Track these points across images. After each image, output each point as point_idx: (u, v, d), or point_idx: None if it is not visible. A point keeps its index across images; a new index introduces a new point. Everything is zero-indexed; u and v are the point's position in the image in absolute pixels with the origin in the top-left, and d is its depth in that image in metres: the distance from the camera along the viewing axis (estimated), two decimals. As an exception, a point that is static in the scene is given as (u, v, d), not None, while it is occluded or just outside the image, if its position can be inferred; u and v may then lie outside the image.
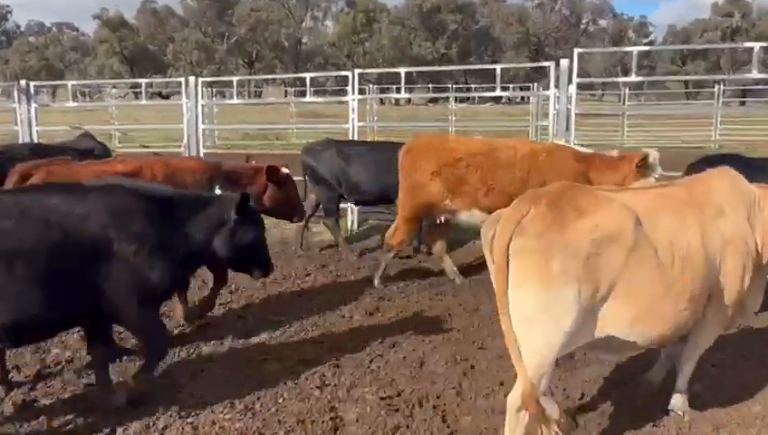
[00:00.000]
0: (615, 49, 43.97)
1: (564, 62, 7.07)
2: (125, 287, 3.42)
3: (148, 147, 16.09)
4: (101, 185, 3.67)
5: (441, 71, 59.67)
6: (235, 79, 8.94)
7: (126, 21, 66.41)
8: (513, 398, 2.96)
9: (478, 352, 4.59)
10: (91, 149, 6.79)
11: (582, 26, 74.03)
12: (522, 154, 5.61)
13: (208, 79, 8.51)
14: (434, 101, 48.49)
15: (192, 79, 8.54)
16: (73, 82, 9.72)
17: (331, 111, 29.44)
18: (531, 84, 36.35)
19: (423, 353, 4.53)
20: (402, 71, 7.92)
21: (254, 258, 4.08)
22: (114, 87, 30.18)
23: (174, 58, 60.04)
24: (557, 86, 7.24)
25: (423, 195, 5.79)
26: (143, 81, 9.14)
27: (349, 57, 64.59)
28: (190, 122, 8.62)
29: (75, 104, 9.70)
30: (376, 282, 5.99)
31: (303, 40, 68.99)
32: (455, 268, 6.27)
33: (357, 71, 7.87)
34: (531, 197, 3.00)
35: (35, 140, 9.01)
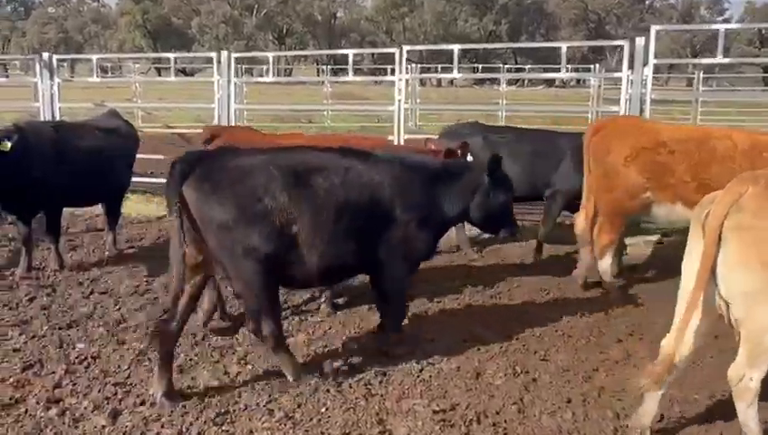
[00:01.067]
0: (699, 27, 42.37)
1: (640, 41, 6.82)
2: (396, 250, 4.17)
3: (172, 127, 16.28)
4: (388, 156, 4.32)
5: (489, 50, 59.10)
6: (270, 55, 8.80)
7: (150, -8, 67.50)
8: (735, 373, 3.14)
9: (540, 364, 4.46)
10: (117, 128, 6.84)
11: (648, 1, 72.15)
12: (742, 148, 5.14)
13: (241, 54, 8.47)
14: (479, 82, 48.01)
15: (224, 54, 8.55)
16: (98, 56, 9.85)
17: (368, 93, 29.46)
18: (590, 66, 35.61)
19: (478, 363, 4.42)
20: (455, 48, 7.77)
21: (504, 219, 4.64)
22: (136, 62, 30.63)
23: (199, 32, 60.75)
24: (631, 67, 6.99)
25: (621, 184, 5.42)
26: (171, 55, 9.18)
27: (387, 34, 64.41)
28: (222, 101, 8.63)
29: (99, 79, 9.80)
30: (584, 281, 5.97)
31: (338, 14, 68.99)
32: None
33: (405, 47, 7.74)
34: (749, 177, 3.17)
35: (57, 117, 9.18)
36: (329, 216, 3.81)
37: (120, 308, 5.24)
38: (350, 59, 8.35)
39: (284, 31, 66.90)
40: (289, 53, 36.59)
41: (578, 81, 54.63)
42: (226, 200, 3.57)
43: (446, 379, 4.19)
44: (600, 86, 18.30)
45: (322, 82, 23.62)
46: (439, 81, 51.77)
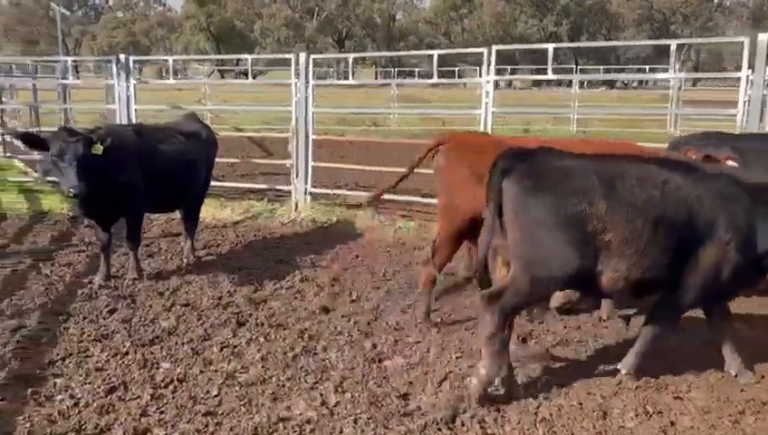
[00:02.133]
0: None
1: (763, 37, 6.10)
2: (708, 272, 3.76)
3: (241, 129, 16.15)
4: (709, 169, 3.99)
5: (545, 51, 57.49)
6: (350, 56, 8.43)
7: (214, -4, 68.70)
8: None
9: (675, 402, 3.87)
10: (197, 132, 6.56)
11: (716, 0, 69.09)
12: None
13: (321, 56, 8.07)
14: (537, 84, 46.73)
15: (302, 56, 8.20)
16: (173, 57, 9.68)
17: (428, 96, 28.95)
18: (655, 66, 34.04)
19: (602, 399, 3.87)
20: (550, 47, 7.20)
21: None
22: (201, 64, 30.96)
23: (261, 35, 61.50)
24: (751, 67, 6.27)
25: None
26: (248, 57, 8.90)
27: (446, 36, 63.75)
28: (300, 104, 8.29)
29: (174, 81, 9.63)
30: None
31: (397, 17, 68.70)
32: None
33: (495, 47, 7.22)
34: None
35: (133, 120, 9.03)
36: (644, 227, 3.64)
37: (203, 323, 4.90)
38: (435, 60, 7.85)
39: (344, 34, 67.07)
40: (386, 54, 35.64)
41: (639, 82, 52.81)
42: (546, 198, 3.61)
43: (569, 418, 3.67)
44: (680, 87, 17.27)
45: (391, 84, 23.03)
46: (496, 82, 50.73)
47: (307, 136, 8.41)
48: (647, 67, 40.83)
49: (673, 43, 7.06)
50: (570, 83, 37.50)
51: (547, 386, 3.98)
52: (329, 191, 9.05)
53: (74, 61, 22.28)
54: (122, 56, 8.90)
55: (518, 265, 3.71)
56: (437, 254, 4.89)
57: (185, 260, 6.52)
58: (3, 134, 11.08)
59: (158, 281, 5.89)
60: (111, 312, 5.08)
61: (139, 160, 5.58)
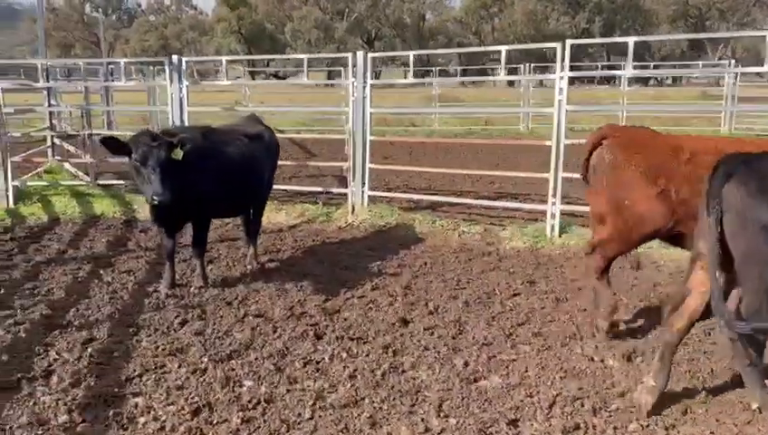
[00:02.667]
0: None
1: None
2: None
3: (281, 131, 15.94)
4: None
5: (580, 48, 56.34)
6: (412, 54, 8.08)
7: (245, -1, 69.03)
8: None
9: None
10: (261, 134, 6.30)
11: (755, -6, 67.25)
12: None
13: (380, 54, 7.72)
14: (571, 81, 45.84)
15: (360, 55, 7.89)
16: (228, 58, 9.48)
17: (462, 95, 28.55)
18: (689, 63, 33.08)
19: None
20: (631, 40, 6.81)
21: None
22: (234, 66, 30.89)
23: (292, 37, 61.54)
24: None
25: None
26: (304, 56, 8.61)
27: (476, 35, 63.11)
28: (357, 105, 7.99)
29: (229, 82, 9.41)
30: None
31: (427, 16, 68.24)
32: None
33: (569, 41, 6.83)
34: None
35: (186, 122, 8.83)
36: None
37: (280, 336, 4.62)
38: (503, 56, 7.48)
39: (373, 35, 66.83)
40: (433, 52, 35.08)
41: (673, 79, 51.55)
42: None
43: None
44: (735, 84, 16.61)
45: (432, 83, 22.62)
46: (540, 81, 49.97)
47: (364, 137, 8.11)
48: (699, 63, 39.58)
49: (716, 36, 6.54)
50: (603, 81, 36.76)
51: (669, 411, 3.61)
52: (386, 195, 8.75)
53: (130, 62, 22.31)
54: (175, 57, 8.70)
55: (745, 278, 3.35)
56: (606, 246, 4.54)
57: (248, 266, 6.27)
58: (53, 137, 10.99)
59: (224, 289, 5.63)
60: (183, 323, 4.83)
61: (208, 163, 5.33)
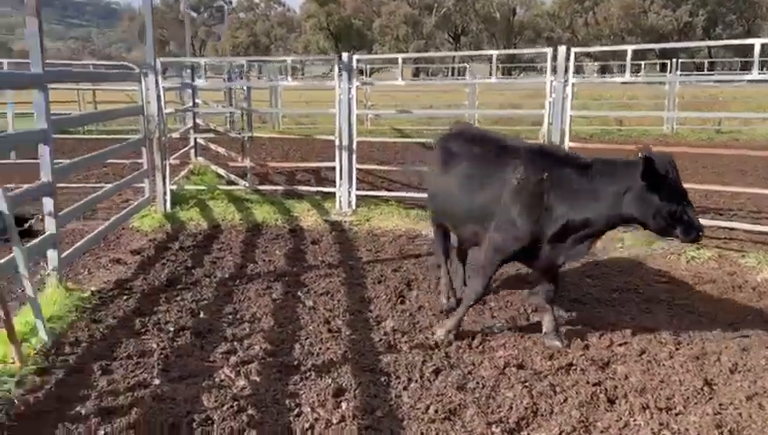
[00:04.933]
0: None
1: None
2: None
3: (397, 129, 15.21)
4: None
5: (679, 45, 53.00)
6: (631, 48, 7.04)
7: (334, -6, 69.08)
8: None
9: None
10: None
11: None
12: None
13: (582, 49, 6.91)
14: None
15: (562, 51, 6.94)
16: (404, 56, 8.75)
17: (584, 94, 26.94)
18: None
19: None
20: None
21: None
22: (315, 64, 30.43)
23: (380, 33, 61.03)
24: None
25: None
26: (494, 52, 7.72)
27: (568, 29, 60.68)
28: (555, 105, 7.05)
29: (403, 83, 8.67)
30: None
31: (517, 10, 66.23)
32: None
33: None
34: None
35: (353, 125, 8.14)
36: None
37: (566, 399, 3.73)
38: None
39: (460, 30, 65.46)
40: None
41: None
42: None
43: None
44: None
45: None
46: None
47: (563, 139, 7.13)
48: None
49: None
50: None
51: None
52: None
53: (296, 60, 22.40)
54: (345, 55, 8.00)
55: None
56: None
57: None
58: (195, 138, 10.59)
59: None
60: (436, 372, 4.03)
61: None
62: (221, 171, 9.81)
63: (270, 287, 5.73)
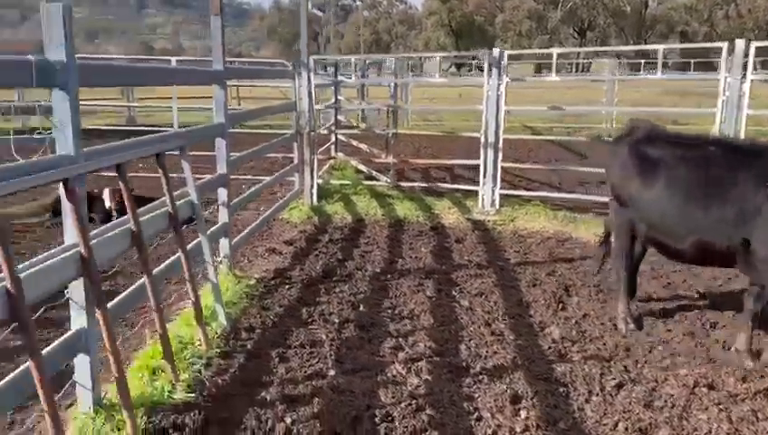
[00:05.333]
0: None
1: None
2: None
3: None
4: None
5: None
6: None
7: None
8: None
9: None
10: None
11: None
12: None
13: (762, 43, 6.29)
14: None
15: (740, 44, 6.37)
16: (559, 51, 8.49)
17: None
18: None
19: None
20: None
21: None
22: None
23: (503, 29, 59.93)
24: None
25: None
26: (660, 47, 7.27)
27: (706, 23, 56.59)
28: (730, 104, 6.50)
29: (559, 78, 8.39)
30: None
31: (650, 4, 62.63)
32: None
33: None
34: None
35: (501, 123, 7.95)
36: None
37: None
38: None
39: (586, 24, 62.89)
40: None
41: None
42: None
43: None
44: None
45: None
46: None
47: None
48: None
49: None
50: None
51: None
52: None
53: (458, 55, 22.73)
54: (496, 51, 7.82)
55: None
56: None
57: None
58: (336, 134, 10.82)
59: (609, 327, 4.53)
60: (618, 387, 3.78)
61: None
62: (362, 167, 9.96)
63: (422, 284, 5.70)
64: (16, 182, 2.53)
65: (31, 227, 7.69)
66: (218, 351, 4.13)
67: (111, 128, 13.05)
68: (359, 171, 10.61)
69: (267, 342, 4.37)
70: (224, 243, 5.49)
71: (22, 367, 2.68)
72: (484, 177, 8.14)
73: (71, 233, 3.04)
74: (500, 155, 8.02)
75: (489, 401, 3.59)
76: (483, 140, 8.09)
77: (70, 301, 3.17)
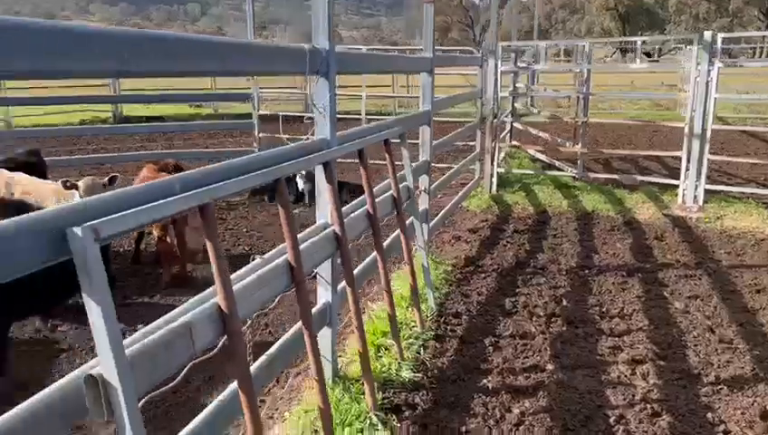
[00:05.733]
0: None
1: None
2: None
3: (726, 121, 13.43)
4: None
5: None
6: None
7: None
8: None
9: None
10: None
11: None
12: None
13: None
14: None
15: None
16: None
17: None
18: None
19: None
20: None
21: None
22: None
23: (676, 11, 55.48)
24: None
25: None
26: None
27: None
28: None
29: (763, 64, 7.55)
30: None
31: None
32: None
33: None
34: None
35: (711, 110, 7.29)
36: None
37: None
38: None
39: (776, 4, 56.36)
40: None
41: None
42: None
43: None
44: None
45: None
46: None
47: None
48: None
49: None
50: None
51: None
52: None
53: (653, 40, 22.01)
54: (708, 34, 7.17)
55: None
56: None
57: None
58: (512, 122, 10.59)
59: None
60: None
61: None
62: (539, 156, 9.66)
63: (626, 282, 5.40)
64: (293, 163, 2.69)
65: (233, 204, 8.36)
66: (432, 334, 4.19)
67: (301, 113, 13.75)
68: (534, 160, 10.33)
69: (476, 329, 4.35)
70: (424, 228, 5.55)
71: (283, 338, 2.87)
72: (687, 170, 7.53)
73: (324, 212, 3.20)
74: (707, 147, 7.36)
75: (734, 413, 3.30)
76: (686, 130, 7.48)
77: (317, 277, 3.35)
